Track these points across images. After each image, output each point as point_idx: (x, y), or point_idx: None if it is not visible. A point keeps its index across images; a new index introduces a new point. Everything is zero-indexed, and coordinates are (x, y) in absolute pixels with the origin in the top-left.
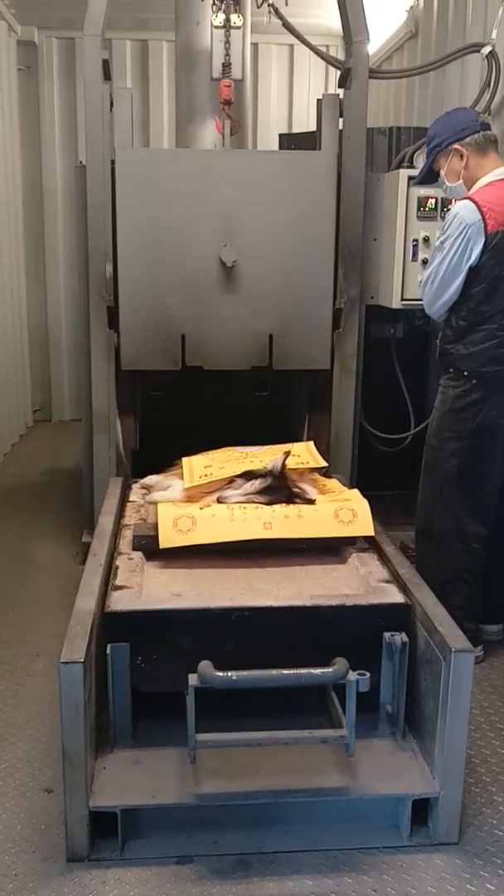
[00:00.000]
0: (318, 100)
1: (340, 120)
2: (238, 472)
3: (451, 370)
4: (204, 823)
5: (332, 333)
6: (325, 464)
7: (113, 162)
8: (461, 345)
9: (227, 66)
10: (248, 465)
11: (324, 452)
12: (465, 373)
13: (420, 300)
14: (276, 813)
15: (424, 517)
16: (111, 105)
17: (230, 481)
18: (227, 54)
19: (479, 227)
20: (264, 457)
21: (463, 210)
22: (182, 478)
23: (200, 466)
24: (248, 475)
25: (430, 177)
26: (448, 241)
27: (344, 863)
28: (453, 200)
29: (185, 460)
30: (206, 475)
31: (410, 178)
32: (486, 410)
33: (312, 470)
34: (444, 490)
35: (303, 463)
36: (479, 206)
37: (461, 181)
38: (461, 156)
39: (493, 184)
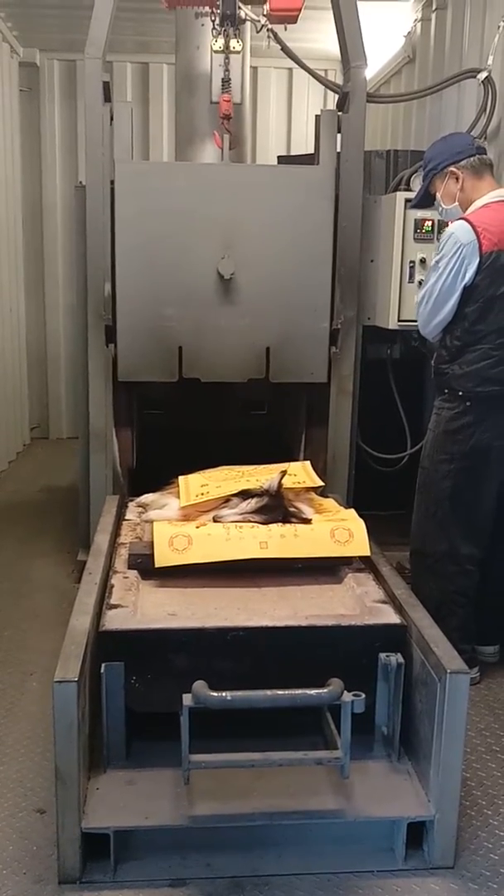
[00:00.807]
0: (316, 116)
1: (339, 138)
2: (234, 491)
3: (446, 391)
4: (197, 845)
5: (329, 348)
6: (321, 483)
7: (112, 182)
8: (456, 365)
9: (226, 82)
10: (244, 483)
11: (320, 472)
12: (460, 393)
13: (416, 321)
14: (270, 835)
15: (419, 539)
16: (111, 119)
17: (226, 500)
18: (227, 70)
19: (473, 247)
20: (260, 476)
21: (458, 230)
22: (178, 496)
23: (197, 485)
24: (245, 494)
25: (426, 200)
26: (443, 260)
27: (338, 886)
28: (449, 222)
29: (181, 479)
30: (202, 494)
31: (407, 200)
32: (480, 432)
33: (309, 489)
34: (437, 512)
35: (299, 482)
36: (473, 227)
37: (457, 203)
38: (457, 178)
39: (489, 205)
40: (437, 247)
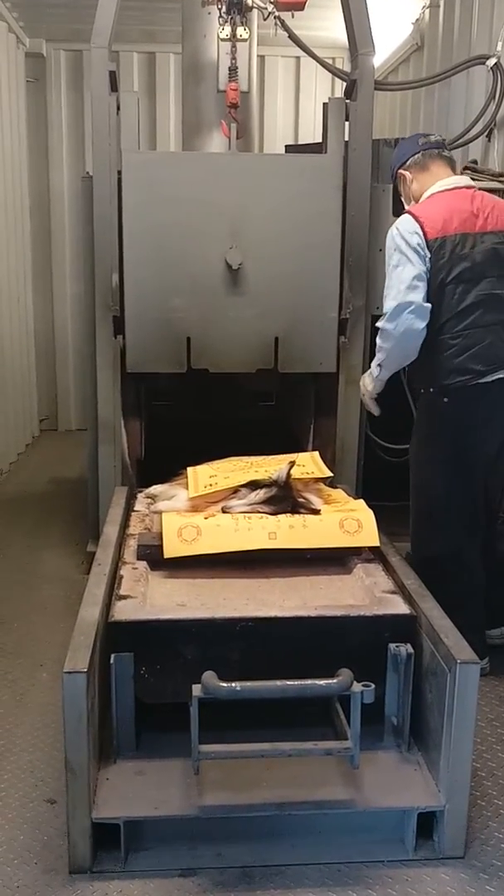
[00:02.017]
0: (324, 103)
1: (347, 126)
2: (242, 483)
3: (422, 390)
4: (207, 835)
5: (338, 338)
6: (330, 473)
7: (119, 173)
8: (421, 362)
9: (233, 70)
10: (252, 474)
11: (329, 462)
12: (432, 389)
13: None
14: (280, 825)
15: (417, 541)
16: (118, 109)
17: (235, 491)
18: (234, 58)
19: (415, 234)
20: (269, 466)
21: (400, 223)
22: (187, 487)
23: (205, 476)
24: (253, 485)
25: (400, 206)
26: (395, 255)
27: (348, 876)
28: None
29: (189, 470)
30: (210, 485)
31: None
32: (464, 425)
33: (318, 480)
34: (432, 512)
35: (308, 473)
36: (415, 217)
37: (413, 202)
38: (406, 180)
39: (433, 196)
40: None
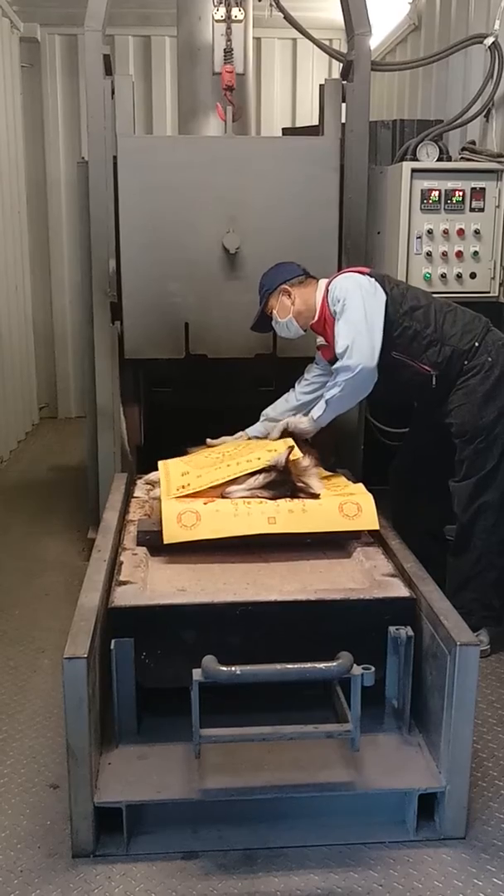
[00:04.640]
0: (320, 85)
1: (344, 108)
2: (215, 482)
3: (464, 362)
4: (209, 819)
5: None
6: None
7: (115, 157)
8: (442, 346)
9: (228, 52)
10: (225, 470)
11: (329, 448)
12: (468, 349)
13: None
14: (281, 808)
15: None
16: (112, 93)
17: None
18: (229, 40)
19: (365, 278)
20: (240, 457)
21: (340, 280)
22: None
23: (177, 474)
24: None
25: (262, 321)
26: (351, 297)
27: (350, 857)
28: (282, 328)
29: (160, 464)
30: (183, 486)
31: (414, 170)
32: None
33: (317, 464)
34: None
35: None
36: (347, 271)
37: (291, 316)
38: (289, 294)
39: (328, 281)
40: (443, 218)
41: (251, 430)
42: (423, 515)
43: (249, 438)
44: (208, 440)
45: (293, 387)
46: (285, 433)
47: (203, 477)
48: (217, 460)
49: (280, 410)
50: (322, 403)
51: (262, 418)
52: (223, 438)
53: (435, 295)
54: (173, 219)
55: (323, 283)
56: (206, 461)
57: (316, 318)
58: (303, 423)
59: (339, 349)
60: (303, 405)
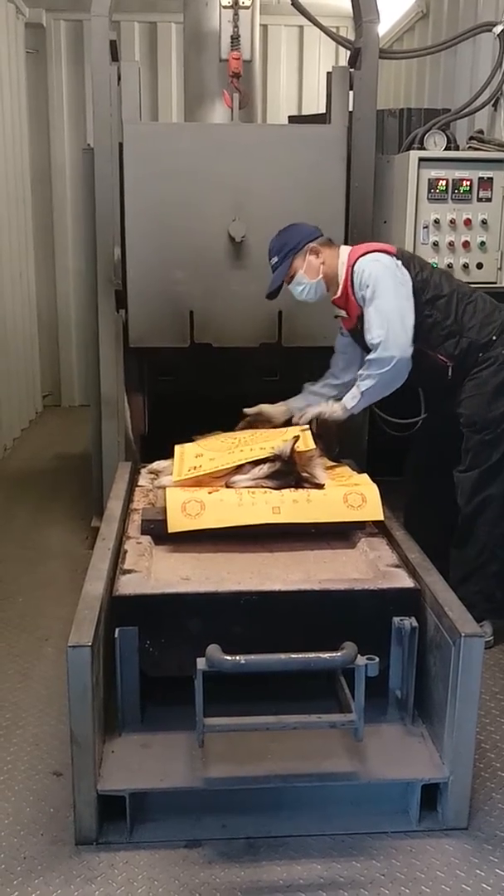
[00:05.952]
0: (327, 73)
1: (351, 96)
2: (228, 465)
3: (479, 354)
4: (212, 807)
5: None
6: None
7: (121, 144)
8: (461, 338)
9: (235, 39)
10: (238, 454)
11: (334, 437)
12: (486, 342)
13: None
14: (284, 797)
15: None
16: (118, 80)
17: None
18: (236, 26)
19: (390, 258)
20: (256, 444)
21: (367, 262)
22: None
23: (191, 456)
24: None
25: (280, 287)
26: (381, 286)
27: (353, 847)
28: (309, 291)
29: (177, 448)
30: (195, 468)
31: (421, 159)
32: None
33: (322, 454)
34: None
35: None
36: (372, 250)
37: (321, 277)
38: (317, 254)
39: (348, 255)
40: (450, 208)
41: (292, 401)
42: (439, 509)
43: (289, 409)
44: (245, 410)
45: (306, 374)
46: (319, 420)
47: (216, 460)
48: (232, 445)
49: (321, 384)
50: (356, 393)
51: (304, 390)
52: (260, 406)
53: None
54: (179, 206)
55: (344, 250)
56: (221, 445)
57: (339, 292)
58: (336, 412)
59: (372, 339)
60: (343, 385)
